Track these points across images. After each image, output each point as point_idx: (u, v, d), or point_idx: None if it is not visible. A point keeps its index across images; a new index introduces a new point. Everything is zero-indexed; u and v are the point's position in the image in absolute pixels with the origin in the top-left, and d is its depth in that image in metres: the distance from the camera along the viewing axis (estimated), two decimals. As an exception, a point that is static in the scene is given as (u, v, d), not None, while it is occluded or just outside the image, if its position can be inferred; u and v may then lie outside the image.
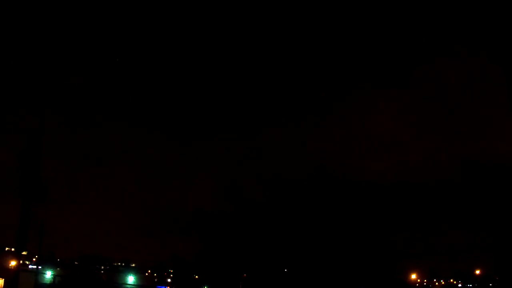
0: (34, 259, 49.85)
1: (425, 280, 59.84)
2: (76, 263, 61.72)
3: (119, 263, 71.60)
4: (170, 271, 57.29)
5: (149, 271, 67.72)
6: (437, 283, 64.34)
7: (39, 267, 40.59)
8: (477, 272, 55.23)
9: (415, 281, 53.52)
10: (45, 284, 42.02)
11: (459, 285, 63.67)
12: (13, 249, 42.19)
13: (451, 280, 64.32)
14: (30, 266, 49.71)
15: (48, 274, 44.94)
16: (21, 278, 35.80)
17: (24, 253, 46.03)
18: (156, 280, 62.93)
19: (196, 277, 44.40)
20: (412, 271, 50.56)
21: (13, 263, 37.13)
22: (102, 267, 65.93)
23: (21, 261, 39.91)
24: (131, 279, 55.63)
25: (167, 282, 57.78)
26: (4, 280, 35.84)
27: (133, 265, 69.80)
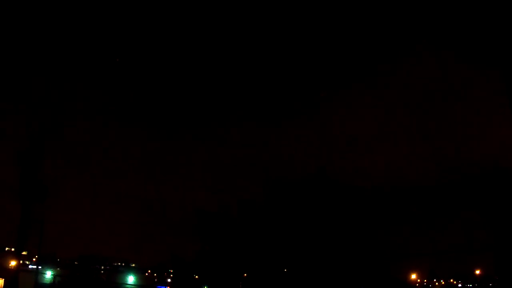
0: (34, 259, 49.82)
1: (425, 280, 59.82)
2: (76, 263, 61.66)
3: (119, 263, 71.56)
4: (170, 271, 57.31)
5: (149, 271, 67.69)
6: (437, 283, 64.31)
7: (39, 267, 40.52)
8: (477, 272, 55.22)
9: (415, 281, 53.51)
10: (45, 284, 41.97)
11: (459, 285, 63.64)
12: (13, 249, 42.25)
13: (451, 280, 64.28)
14: (30, 266, 49.67)
15: (48, 274, 44.89)
16: (21, 278, 35.97)
17: (24, 253, 46.01)
18: (156, 280, 62.92)
19: (196, 277, 44.41)
20: (412, 271, 50.61)
21: (13, 263, 37.22)
22: (102, 267, 65.90)
23: (21, 261, 39.99)
24: (131, 279, 55.58)
25: (167, 282, 57.78)
26: (4, 280, 35.81)
27: (133, 265, 69.76)
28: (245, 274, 40.79)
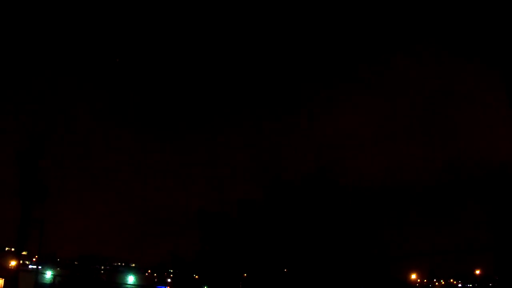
0: (34, 259, 49.83)
1: (425, 280, 59.83)
2: (76, 263, 61.63)
3: (119, 263, 71.55)
4: (170, 271, 57.31)
5: (149, 271, 67.68)
6: (437, 283, 64.33)
7: (39, 267, 40.54)
8: (477, 272, 55.22)
9: (415, 281, 53.50)
10: (45, 284, 42.03)
11: (459, 285, 63.67)
12: (13, 249, 42.26)
13: (451, 280, 64.30)
14: (30, 266, 49.69)
15: (48, 274, 44.92)
16: (21, 278, 36.00)
17: (24, 253, 46.00)
18: (156, 280, 62.92)
19: (196, 277, 44.42)
20: (412, 271, 50.60)
21: (13, 263, 37.23)
22: (102, 267, 65.88)
23: (21, 261, 40.00)
24: (131, 279, 55.61)
25: (167, 282, 57.78)
26: (4, 280, 35.83)
27: (133, 265, 69.75)
28: (245, 274, 40.79)
